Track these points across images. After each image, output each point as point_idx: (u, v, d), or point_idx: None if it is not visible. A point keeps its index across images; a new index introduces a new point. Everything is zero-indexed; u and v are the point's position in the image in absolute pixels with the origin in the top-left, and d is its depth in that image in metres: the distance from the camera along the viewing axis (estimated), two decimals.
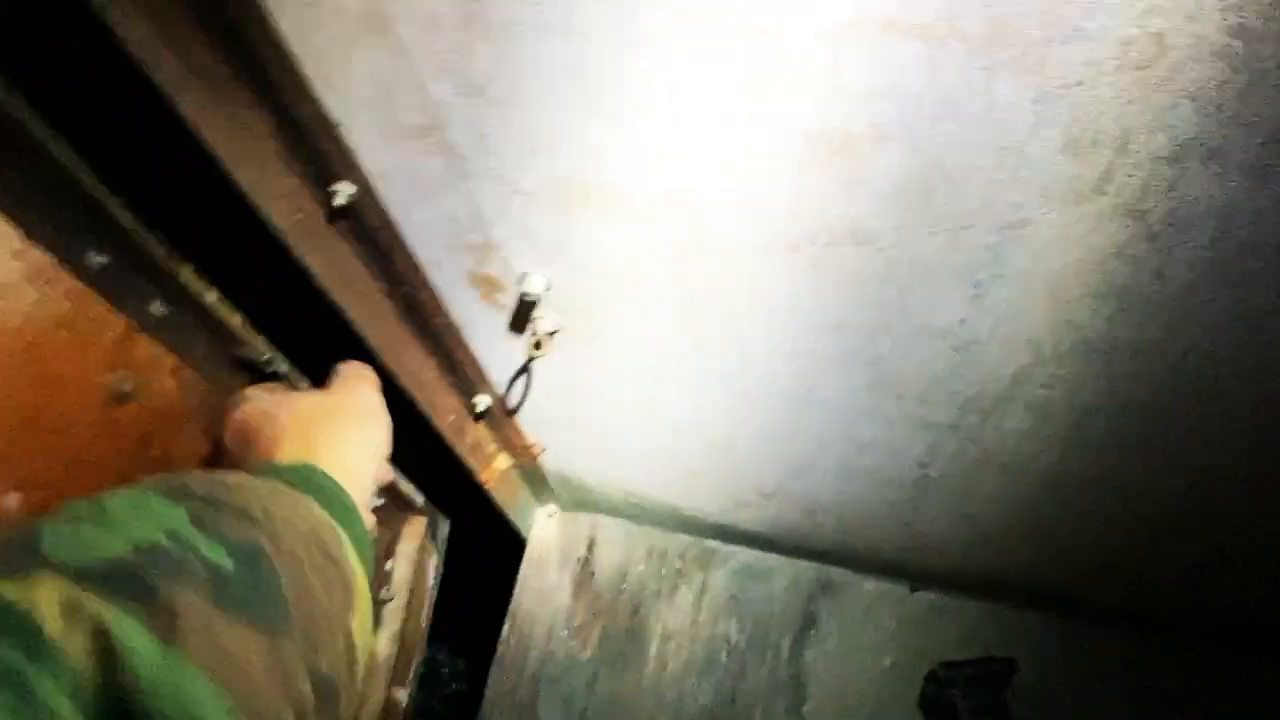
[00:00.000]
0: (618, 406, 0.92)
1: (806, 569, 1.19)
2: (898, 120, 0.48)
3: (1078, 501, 0.83)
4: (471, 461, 1.01)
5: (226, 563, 0.39)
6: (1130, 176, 0.47)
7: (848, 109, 0.49)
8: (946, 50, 0.43)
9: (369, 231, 0.69)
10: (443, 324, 0.82)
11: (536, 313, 0.76)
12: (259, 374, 0.72)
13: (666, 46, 0.48)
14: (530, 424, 1.02)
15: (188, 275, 0.66)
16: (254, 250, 0.63)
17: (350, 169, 0.64)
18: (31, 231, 0.58)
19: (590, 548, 1.27)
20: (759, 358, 0.75)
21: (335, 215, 0.66)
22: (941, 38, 0.43)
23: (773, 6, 0.44)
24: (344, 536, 0.49)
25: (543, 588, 1.25)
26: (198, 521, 0.41)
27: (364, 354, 0.79)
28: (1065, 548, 0.94)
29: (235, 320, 0.72)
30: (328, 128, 0.60)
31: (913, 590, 1.16)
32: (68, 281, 0.62)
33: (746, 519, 1.13)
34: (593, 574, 1.25)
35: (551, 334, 0.78)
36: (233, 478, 0.48)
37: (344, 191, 0.64)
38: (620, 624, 1.21)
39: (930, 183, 0.52)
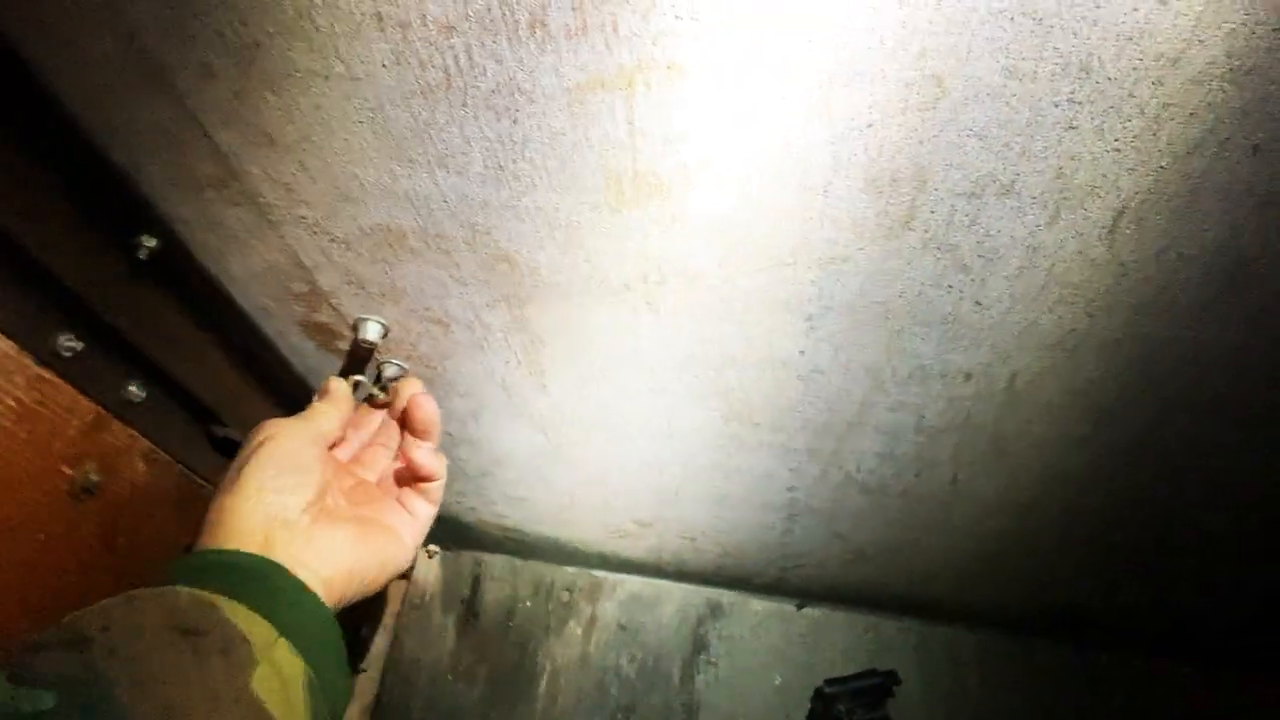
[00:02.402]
0: (478, 447, 0.89)
1: (694, 594, 1.18)
2: (702, 161, 0.47)
3: (939, 516, 0.84)
4: None
5: (47, 701, 0.38)
6: (934, 212, 0.47)
7: (651, 152, 0.47)
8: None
9: (185, 283, 0.65)
10: (283, 373, 0.78)
11: (377, 358, 0.72)
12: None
13: (450, 94, 0.46)
14: None
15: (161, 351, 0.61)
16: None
17: (150, 221, 0.59)
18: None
19: (475, 586, 1.23)
20: (612, 394, 0.73)
21: (141, 268, 0.62)
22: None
23: (547, 57, 0.42)
24: (222, 602, 0.47)
25: (425, 631, 1.20)
26: (15, 679, 0.39)
27: (202, 409, 0.74)
28: (935, 560, 0.95)
29: (225, 396, 0.67)
30: (115, 179, 0.56)
31: (799, 607, 1.16)
32: (30, 370, 0.56)
33: (629, 548, 1.11)
34: (478, 614, 1.21)
35: (395, 379, 0.74)
36: (82, 610, 0.45)
37: (146, 244, 0.59)
38: (508, 662, 1.18)
39: (745, 220, 0.51)
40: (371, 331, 0.68)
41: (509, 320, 0.65)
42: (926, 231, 0.49)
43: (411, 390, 0.69)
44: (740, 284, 0.56)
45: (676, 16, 0.39)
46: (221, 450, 0.77)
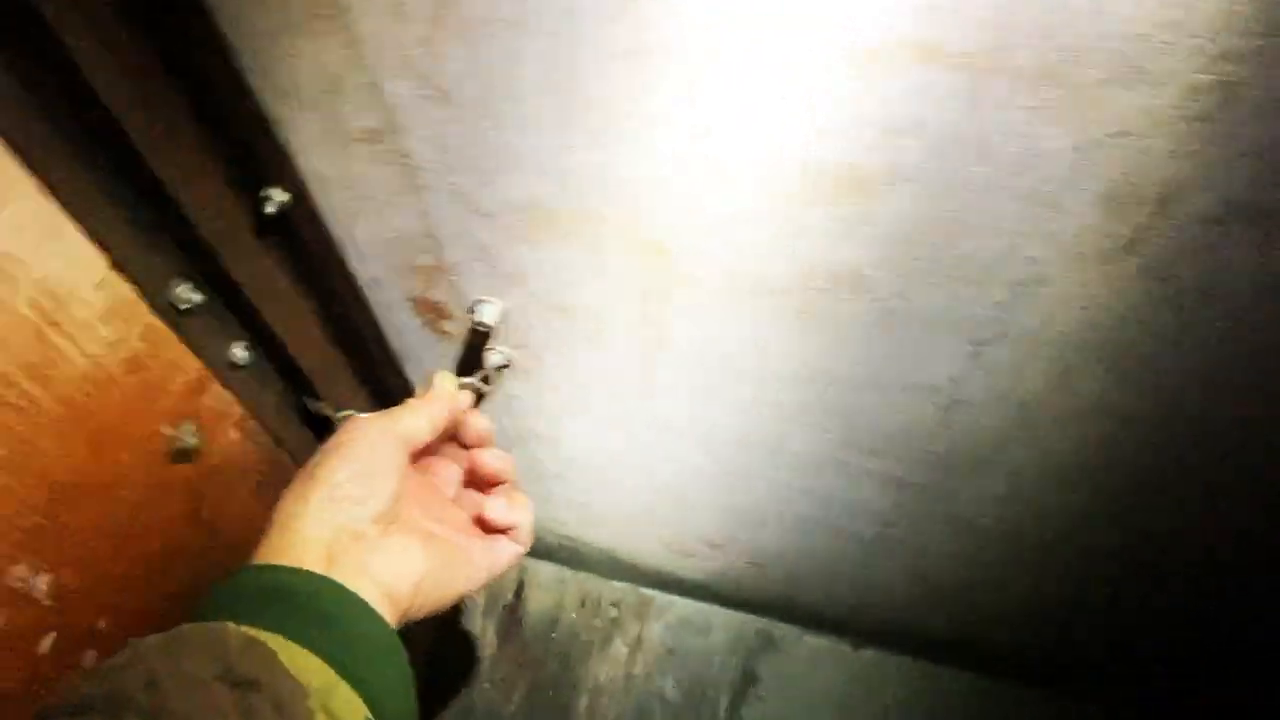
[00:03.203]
0: (559, 447, 0.85)
1: (748, 623, 1.13)
2: (920, 160, 0.43)
3: (1037, 566, 0.80)
4: None
5: None
6: (1167, 238, 0.43)
7: (865, 143, 0.43)
8: (991, 85, 0.38)
9: (302, 244, 0.61)
10: (377, 350, 0.74)
11: (487, 345, 0.68)
12: (329, 431, 0.64)
13: (665, 60, 0.42)
14: None
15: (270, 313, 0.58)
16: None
17: (285, 175, 0.56)
18: (120, 259, 0.50)
19: (519, 592, 1.18)
20: (724, 405, 0.69)
21: (264, 224, 0.58)
22: (987, 71, 0.38)
23: (797, 20, 0.39)
24: (278, 644, 0.43)
25: (465, 634, 1.16)
26: None
27: (300, 380, 0.70)
28: (1014, 610, 0.91)
29: (318, 368, 0.64)
30: (262, 125, 0.52)
31: (856, 648, 1.11)
32: (146, 318, 0.53)
33: (689, 568, 1.06)
34: (520, 622, 1.16)
35: (500, 369, 0.71)
36: (125, 655, 0.41)
37: (275, 199, 0.56)
38: (549, 676, 1.13)
39: (946, 231, 0.47)
40: (490, 314, 0.64)
41: (640, 315, 0.61)
42: (1149, 259, 0.45)
43: (477, 429, 0.66)
44: (913, 300, 0.52)
45: None
46: (311, 426, 0.73)
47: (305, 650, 0.44)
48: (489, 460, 0.65)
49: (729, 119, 0.44)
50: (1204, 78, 0.36)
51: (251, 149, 0.54)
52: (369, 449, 0.58)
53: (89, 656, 0.55)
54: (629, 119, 0.46)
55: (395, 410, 0.63)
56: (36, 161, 0.43)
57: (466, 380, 0.68)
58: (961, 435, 0.64)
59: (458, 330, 0.70)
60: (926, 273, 0.50)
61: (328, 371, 0.73)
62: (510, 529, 0.65)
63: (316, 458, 0.58)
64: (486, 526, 0.65)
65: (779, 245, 0.51)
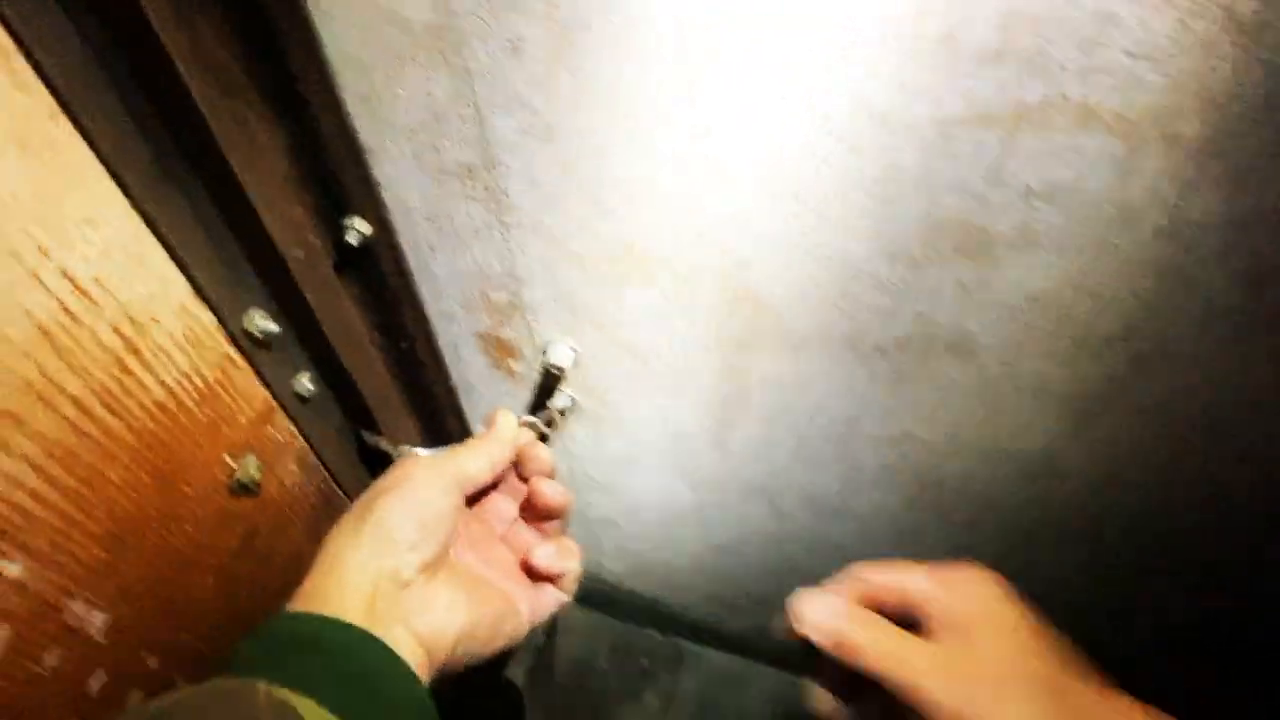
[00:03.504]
0: (616, 494, 0.82)
1: (786, 681, 1.09)
2: (1056, 226, 0.41)
3: (1117, 644, 0.76)
4: None
5: None
6: None
7: (998, 203, 0.41)
8: (1149, 153, 0.36)
9: (378, 276, 0.59)
10: (439, 387, 0.72)
11: (557, 387, 0.66)
12: (383, 465, 0.62)
13: (796, 105, 0.41)
14: None
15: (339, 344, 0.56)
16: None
17: (368, 205, 0.54)
18: (201, 285, 0.48)
19: (549, 635, 1.15)
20: (802, 464, 0.66)
21: (343, 254, 0.56)
22: (1147, 138, 0.36)
23: (940, 75, 0.37)
24: (307, 709, 0.41)
25: (494, 678, 1.12)
26: None
27: (361, 412, 0.68)
28: None
29: (385, 403, 0.62)
30: (355, 154, 0.50)
31: None
32: (222, 347, 0.51)
33: (731, 622, 1.03)
34: (550, 668, 1.13)
35: (564, 411, 0.68)
36: (153, 712, 0.39)
37: (358, 229, 0.54)
38: None
39: (1072, 301, 0.44)
40: (563, 356, 0.62)
41: (723, 365, 0.59)
42: None
43: (539, 462, 0.63)
44: (1022, 368, 0.50)
45: (1128, 53, 0.33)
46: (366, 460, 0.71)
47: (335, 718, 0.43)
48: (549, 493, 0.62)
49: (851, 172, 0.43)
50: None
51: (338, 177, 0.52)
52: (425, 490, 0.56)
53: (135, 697, 0.52)
54: (740, 160, 0.44)
55: (455, 449, 0.61)
56: (130, 182, 0.42)
57: (529, 419, 0.65)
58: (1048, 505, 0.61)
59: (524, 369, 0.67)
60: (1042, 341, 0.48)
61: (385, 404, 0.71)
62: (558, 577, 0.63)
63: (369, 495, 0.56)
64: (533, 572, 0.62)
65: (885, 304, 0.49)
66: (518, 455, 0.63)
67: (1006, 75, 0.35)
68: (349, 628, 0.48)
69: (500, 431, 0.61)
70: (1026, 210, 0.40)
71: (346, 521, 0.54)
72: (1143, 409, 0.50)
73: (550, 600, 0.62)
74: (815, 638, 0.42)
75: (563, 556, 0.62)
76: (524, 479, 0.66)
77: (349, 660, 0.46)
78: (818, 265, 0.48)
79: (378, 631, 0.49)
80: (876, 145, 0.40)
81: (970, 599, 0.40)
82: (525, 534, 0.66)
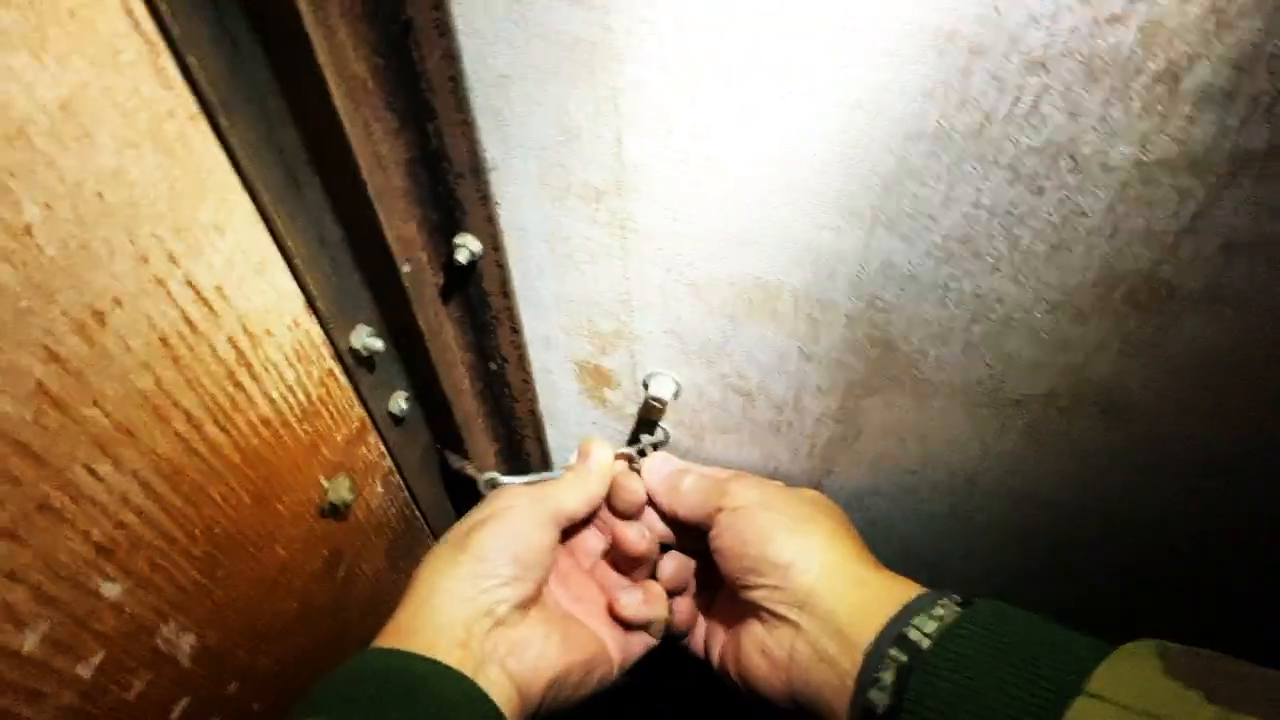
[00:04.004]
0: None
1: None
2: (1253, 284, 0.37)
3: None
4: None
5: None
6: None
7: (1188, 256, 0.38)
8: None
9: (480, 295, 0.57)
10: (524, 410, 0.70)
11: (658, 420, 0.63)
12: (464, 490, 0.60)
13: (974, 141, 0.38)
14: None
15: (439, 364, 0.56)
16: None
17: (484, 223, 0.52)
18: (314, 298, 0.46)
19: None
20: (910, 516, 0.63)
21: (449, 272, 0.54)
22: None
23: (1153, 117, 0.34)
24: None
25: None
26: None
27: (449, 434, 0.66)
28: None
29: (469, 424, 0.60)
30: (477, 170, 0.48)
31: None
32: (327, 363, 0.50)
33: None
34: None
35: (656, 445, 0.65)
36: None
37: (469, 247, 0.52)
38: None
39: (1249, 363, 0.41)
40: (665, 389, 0.59)
41: (836, 407, 0.56)
42: None
43: (629, 496, 0.61)
44: (1176, 430, 0.46)
45: None
46: (448, 483, 0.69)
47: None
48: (632, 540, 0.60)
49: (1017, 220, 0.39)
50: None
51: (455, 194, 0.50)
52: (523, 525, 0.54)
53: None
54: (907, 199, 0.41)
55: (551, 484, 0.59)
56: (260, 190, 0.40)
57: (625, 450, 0.63)
58: (1205, 592, 0.57)
59: (618, 399, 0.65)
60: (1211, 405, 0.44)
61: (469, 425, 0.69)
62: (645, 625, 0.60)
63: (467, 526, 0.54)
64: (619, 618, 0.60)
65: (1034, 356, 0.46)
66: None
67: (1231, 120, 0.32)
68: (446, 671, 0.46)
69: (597, 465, 0.59)
70: (1222, 264, 0.37)
71: (442, 552, 0.52)
72: None
73: (639, 645, 0.60)
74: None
75: (650, 605, 0.59)
76: (613, 510, 0.63)
77: (442, 706, 0.44)
78: (966, 312, 0.45)
79: (470, 670, 0.47)
80: (1060, 187, 0.37)
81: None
82: (613, 572, 0.64)
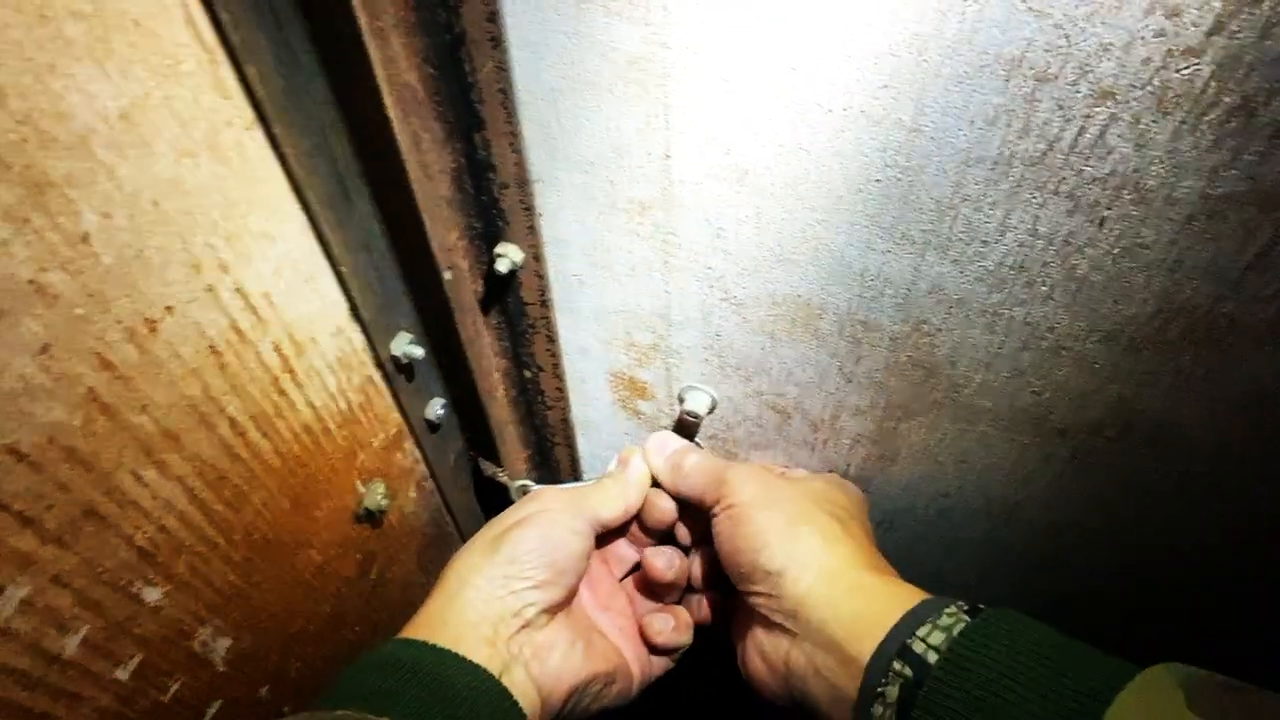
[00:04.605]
0: None
1: None
2: None
3: None
4: None
5: None
6: None
7: (1253, 292, 0.37)
8: None
9: (518, 304, 0.57)
10: (557, 418, 0.69)
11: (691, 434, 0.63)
12: (495, 497, 0.60)
13: (1033, 170, 0.37)
14: None
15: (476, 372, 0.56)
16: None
17: (525, 233, 0.52)
18: (358, 305, 0.47)
19: None
20: (942, 542, 0.62)
21: (489, 281, 0.54)
22: None
23: (1224, 151, 0.33)
24: None
25: None
26: None
27: (483, 441, 0.66)
28: None
29: (502, 431, 0.60)
30: (522, 181, 0.48)
31: None
32: (367, 370, 0.50)
33: None
34: None
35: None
36: None
37: (510, 257, 0.52)
38: None
39: None
40: (701, 403, 0.59)
41: (872, 429, 0.55)
42: None
43: (660, 513, 0.60)
44: (1230, 468, 0.45)
45: None
46: (479, 490, 0.68)
47: None
48: (661, 569, 0.59)
49: (1076, 252, 0.39)
50: None
51: (499, 204, 0.50)
52: (557, 528, 0.54)
53: None
54: (959, 225, 0.41)
55: (587, 489, 0.58)
56: (311, 199, 0.40)
57: None
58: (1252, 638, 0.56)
59: (651, 411, 0.64)
60: (1267, 444, 0.43)
61: (502, 432, 0.69)
62: (669, 650, 0.60)
63: (502, 525, 0.54)
64: (646, 639, 0.59)
65: (1084, 385, 0.45)
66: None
67: None
68: (475, 670, 0.45)
69: (634, 475, 0.59)
70: None
71: (476, 547, 0.52)
72: None
73: (659, 667, 0.59)
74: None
75: (680, 633, 0.59)
76: (642, 527, 0.63)
77: (464, 704, 0.43)
78: (1016, 339, 0.44)
79: (496, 670, 0.47)
80: (1122, 218, 0.36)
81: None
82: (640, 595, 0.63)
